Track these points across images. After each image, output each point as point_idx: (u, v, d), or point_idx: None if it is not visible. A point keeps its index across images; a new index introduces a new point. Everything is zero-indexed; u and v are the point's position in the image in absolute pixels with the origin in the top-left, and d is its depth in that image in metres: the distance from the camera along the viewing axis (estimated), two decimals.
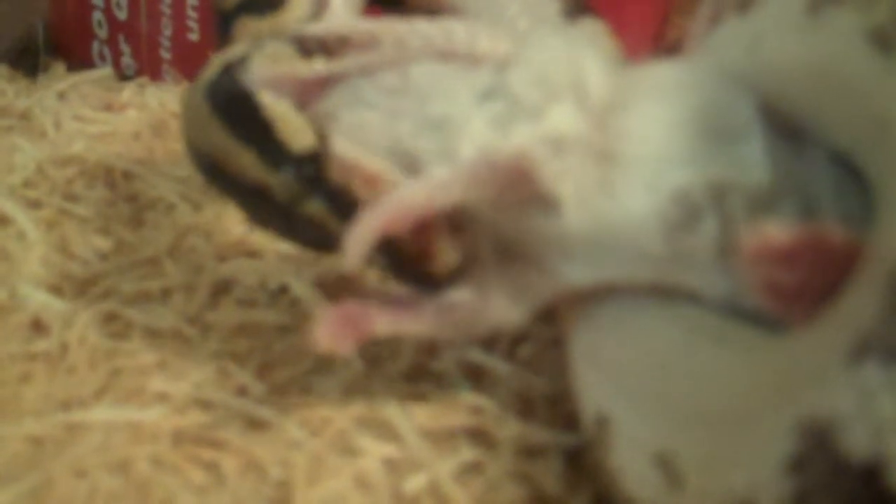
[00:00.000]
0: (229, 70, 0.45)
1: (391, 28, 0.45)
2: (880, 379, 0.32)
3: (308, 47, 0.45)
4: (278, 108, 0.44)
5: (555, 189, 0.41)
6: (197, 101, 0.46)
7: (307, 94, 0.45)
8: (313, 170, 0.44)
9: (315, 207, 0.45)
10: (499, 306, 0.44)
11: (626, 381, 0.43)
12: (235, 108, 0.45)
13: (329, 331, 0.43)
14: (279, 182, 0.44)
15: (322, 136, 0.44)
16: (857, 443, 0.33)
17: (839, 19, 0.37)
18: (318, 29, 0.46)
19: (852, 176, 0.39)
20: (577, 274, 0.43)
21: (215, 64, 0.47)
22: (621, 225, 0.41)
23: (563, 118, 0.42)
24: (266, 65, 0.45)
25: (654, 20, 0.75)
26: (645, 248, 0.41)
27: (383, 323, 0.44)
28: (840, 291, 0.37)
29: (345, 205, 0.43)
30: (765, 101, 0.41)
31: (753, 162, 0.40)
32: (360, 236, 0.40)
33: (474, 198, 0.42)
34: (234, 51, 0.47)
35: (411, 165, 0.43)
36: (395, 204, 0.41)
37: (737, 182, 0.40)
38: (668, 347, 0.43)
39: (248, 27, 0.50)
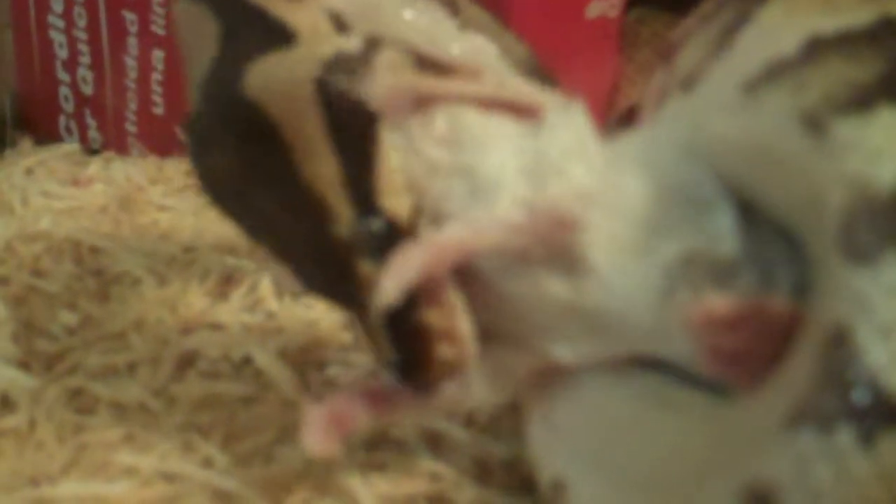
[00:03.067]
0: (349, 65, 0.41)
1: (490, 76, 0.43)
2: (815, 447, 0.33)
3: (424, 63, 0.42)
4: (393, 156, 0.41)
5: (587, 247, 0.41)
6: (300, 74, 0.41)
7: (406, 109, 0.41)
8: (389, 235, 0.40)
9: (369, 268, 0.40)
10: (478, 391, 0.44)
11: (580, 446, 0.44)
12: (350, 122, 0.40)
13: (317, 433, 0.43)
14: (350, 212, 0.40)
15: (417, 212, 0.41)
16: None
17: (773, 101, 0.38)
18: (433, 50, 0.43)
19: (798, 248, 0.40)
20: (563, 350, 0.43)
21: (324, 40, 0.42)
22: (613, 295, 0.42)
23: (584, 177, 0.42)
24: (386, 76, 0.41)
25: (606, 90, 0.76)
26: (633, 319, 0.41)
27: (367, 416, 0.43)
28: (782, 359, 0.38)
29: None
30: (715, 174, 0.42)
31: (724, 232, 0.41)
32: (402, 269, 0.39)
33: (509, 246, 0.41)
34: (347, 40, 0.42)
35: (438, 209, 0.42)
36: (439, 242, 0.40)
37: (709, 252, 0.41)
38: (620, 414, 0.43)
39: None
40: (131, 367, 0.57)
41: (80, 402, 0.54)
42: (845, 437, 0.33)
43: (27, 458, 0.50)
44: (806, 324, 0.38)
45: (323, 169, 0.41)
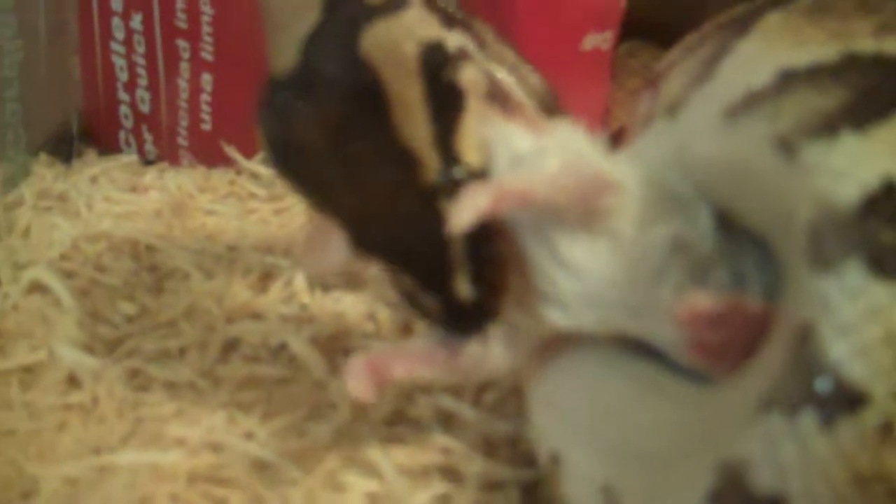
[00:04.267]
0: (445, 55, 0.42)
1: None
2: (782, 428, 0.33)
3: (494, 93, 0.44)
4: (471, 118, 0.42)
5: (616, 213, 0.41)
6: (406, 48, 0.42)
7: None
8: (469, 181, 0.41)
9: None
10: (496, 354, 0.44)
11: (576, 424, 0.44)
12: (444, 95, 0.42)
13: (357, 380, 0.43)
14: (437, 162, 0.41)
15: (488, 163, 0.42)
16: (763, 482, 0.33)
17: (751, 126, 0.38)
18: (503, 82, 0.45)
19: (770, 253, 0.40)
20: (556, 315, 0.43)
21: (427, 25, 0.42)
22: (622, 262, 0.42)
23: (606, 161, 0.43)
24: (471, 86, 0.43)
25: (599, 114, 0.76)
26: (631, 290, 0.41)
27: (401, 370, 0.43)
28: (756, 351, 0.38)
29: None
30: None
31: (703, 231, 0.41)
32: (473, 201, 0.39)
33: (556, 200, 0.41)
34: (447, 35, 0.43)
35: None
36: (503, 184, 0.40)
37: (691, 245, 0.41)
38: (613, 396, 0.43)
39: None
40: (182, 351, 0.57)
41: (138, 382, 0.54)
42: (809, 421, 0.32)
43: (91, 430, 0.50)
44: (777, 321, 0.37)
45: (418, 127, 0.41)
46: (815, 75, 0.37)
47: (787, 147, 0.36)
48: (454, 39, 0.43)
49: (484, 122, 0.43)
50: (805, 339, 0.33)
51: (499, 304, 0.42)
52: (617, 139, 0.64)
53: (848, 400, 0.32)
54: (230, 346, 0.57)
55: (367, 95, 0.42)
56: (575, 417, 0.44)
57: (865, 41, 0.37)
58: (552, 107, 0.48)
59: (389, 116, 0.41)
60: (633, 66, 0.76)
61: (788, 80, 0.38)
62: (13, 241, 0.67)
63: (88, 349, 0.56)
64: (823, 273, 0.34)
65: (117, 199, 0.74)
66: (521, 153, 0.43)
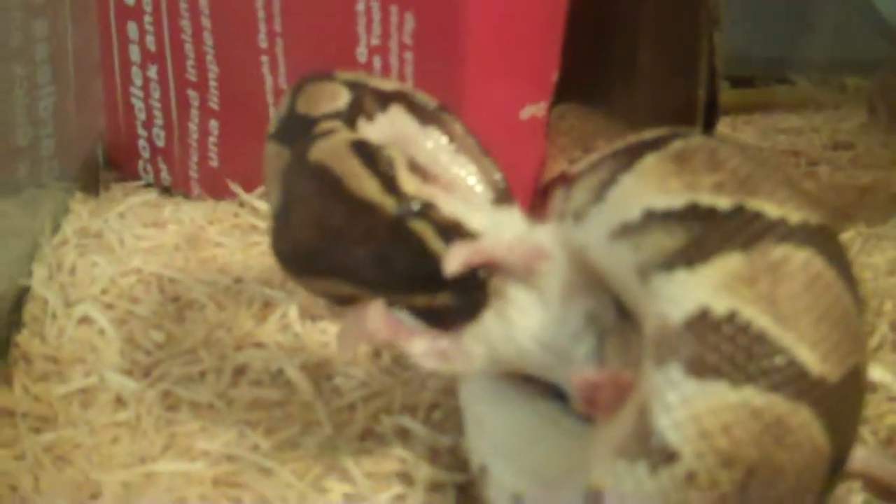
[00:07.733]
0: (370, 142, 0.52)
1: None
2: (626, 471, 0.40)
3: (415, 166, 0.53)
4: (403, 171, 0.50)
5: (547, 277, 0.47)
6: (340, 144, 0.52)
7: None
8: (421, 208, 0.49)
9: (420, 225, 0.48)
10: (467, 350, 0.48)
11: (497, 444, 0.50)
12: (374, 158, 0.51)
13: (346, 335, 0.50)
14: (392, 202, 0.49)
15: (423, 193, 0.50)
16: None
17: (623, 253, 0.44)
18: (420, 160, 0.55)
19: None
20: (480, 351, 0.48)
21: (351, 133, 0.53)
22: (551, 319, 0.47)
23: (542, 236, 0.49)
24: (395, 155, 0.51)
25: (535, 169, 0.80)
26: (552, 344, 0.47)
27: (385, 335, 0.49)
28: (622, 406, 0.43)
29: (442, 230, 0.49)
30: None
31: (608, 308, 0.47)
32: (459, 255, 0.47)
33: (507, 259, 0.48)
34: (370, 135, 0.54)
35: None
36: (477, 246, 0.47)
37: (600, 317, 0.47)
38: (524, 426, 0.50)
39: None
40: (202, 375, 0.61)
41: (169, 402, 0.59)
42: (642, 468, 0.40)
43: (137, 443, 0.56)
44: (635, 390, 0.43)
45: (367, 185, 0.50)
46: (666, 218, 0.43)
47: (643, 274, 0.43)
48: (374, 135, 0.54)
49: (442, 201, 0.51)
50: (644, 410, 0.40)
51: (486, 290, 0.48)
52: (549, 188, 0.73)
53: (667, 456, 0.39)
54: (240, 371, 0.62)
55: (326, 184, 0.51)
56: (497, 438, 0.50)
57: (704, 195, 0.42)
58: (504, 192, 0.57)
59: (346, 188, 0.50)
60: (563, 126, 0.80)
61: (650, 218, 0.43)
62: (63, 278, 0.72)
63: (129, 374, 0.61)
64: (658, 368, 0.41)
65: (143, 235, 0.79)
66: (479, 229, 0.49)
